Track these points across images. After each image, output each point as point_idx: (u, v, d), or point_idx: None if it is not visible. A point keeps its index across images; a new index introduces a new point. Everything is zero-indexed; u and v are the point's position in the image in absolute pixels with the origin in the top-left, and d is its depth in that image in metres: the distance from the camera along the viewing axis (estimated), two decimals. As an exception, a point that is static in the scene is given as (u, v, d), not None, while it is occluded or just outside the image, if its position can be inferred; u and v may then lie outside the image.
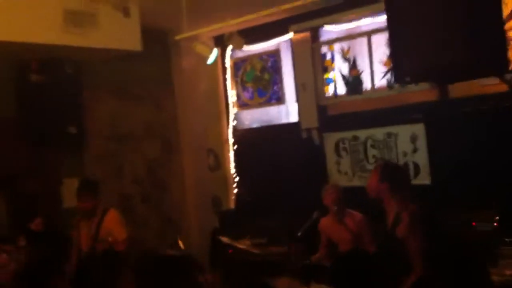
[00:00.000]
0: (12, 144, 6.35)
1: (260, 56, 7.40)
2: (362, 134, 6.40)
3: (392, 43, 3.86)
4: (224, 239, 6.11)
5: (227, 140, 7.63)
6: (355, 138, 6.46)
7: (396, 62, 3.72)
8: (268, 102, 7.38)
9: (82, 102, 6.75)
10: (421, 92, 5.95)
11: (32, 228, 5.79)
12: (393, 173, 4.53)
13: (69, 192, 6.38)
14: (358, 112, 6.51)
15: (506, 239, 4.74)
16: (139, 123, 7.28)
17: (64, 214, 6.38)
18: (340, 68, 6.67)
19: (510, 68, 3.44)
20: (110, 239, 5.53)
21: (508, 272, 4.31)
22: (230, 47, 7.45)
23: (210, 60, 6.89)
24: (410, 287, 4.20)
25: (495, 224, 4.85)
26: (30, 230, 5.81)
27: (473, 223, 4.99)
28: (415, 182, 5.97)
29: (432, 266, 4.15)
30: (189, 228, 7.43)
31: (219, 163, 7.67)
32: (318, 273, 4.52)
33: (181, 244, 6.38)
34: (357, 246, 5.13)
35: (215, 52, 7.06)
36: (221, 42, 7.24)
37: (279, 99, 7.26)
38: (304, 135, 6.88)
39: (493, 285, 4.06)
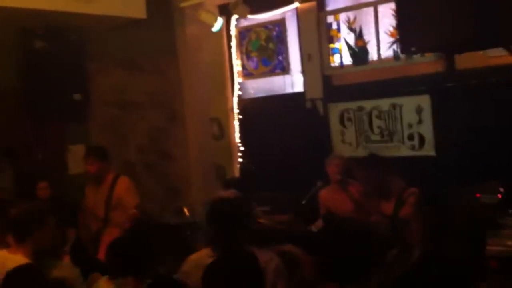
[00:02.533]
0: (17, 113, 6.37)
1: (265, 25, 7.34)
2: (367, 104, 6.38)
3: (399, 13, 3.84)
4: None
5: (232, 109, 7.61)
6: (360, 108, 6.44)
7: (402, 33, 3.72)
8: (273, 72, 7.34)
9: (86, 70, 6.74)
10: (427, 63, 5.92)
11: (39, 194, 5.83)
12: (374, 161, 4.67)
13: (75, 159, 6.43)
14: (364, 83, 6.48)
15: (510, 210, 4.77)
16: (144, 92, 7.28)
17: (70, 181, 6.42)
18: (346, 38, 6.61)
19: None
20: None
21: (509, 243, 4.35)
22: (235, 16, 7.39)
23: (215, 28, 6.84)
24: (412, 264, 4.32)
25: (499, 195, 4.86)
26: (36, 197, 5.86)
27: (477, 195, 5.01)
28: (419, 153, 6.00)
29: (433, 243, 4.23)
30: (193, 197, 7.46)
31: (223, 132, 7.67)
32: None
33: (186, 212, 6.45)
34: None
35: (220, 20, 7.01)
36: (226, 10, 7.18)
37: (284, 69, 7.23)
38: (309, 105, 6.86)
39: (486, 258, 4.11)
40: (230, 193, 4.54)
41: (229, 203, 3.47)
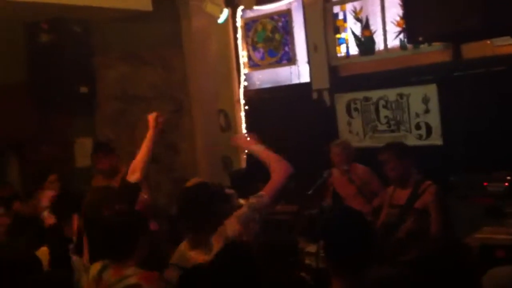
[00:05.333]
0: (24, 107, 6.39)
1: (271, 16, 7.31)
2: (374, 95, 6.37)
3: (406, 2, 3.82)
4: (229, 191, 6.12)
5: (238, 100, 7.61)
6: (367, 99, 6.43)
7: (409, 22, 3.70)
8: (279, 63, 7.33)
9: (92, 63, 6.74)
10: (433, 53, 5.90)
11: (48, 187, 5.85)
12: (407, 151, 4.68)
13: (82, 151, 6.45)
14: (370, 73, 6.46)
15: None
16: (150, 84, 7.27)
17: (77, 174, 6.44)
18: (352, 28, 6.59)
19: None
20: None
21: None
22: (241, 7, 7.37)
23: (221, 20, 6.82)
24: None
25: (505, 184, 4.85)
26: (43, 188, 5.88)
27: (484, 183, 5.00)
28: (426, 143, 5.99)
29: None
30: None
31: (230, 123, 7.67)
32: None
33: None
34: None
35: (225, 12, 6.99)
36: (231, 1, 7.17)
37: (290, 60, 7.21)
38: (315, 96, 6.85)
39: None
40: (197, 180, 4.51)
41: (194, 191, 3.44)
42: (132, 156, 6.90)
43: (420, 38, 3.63)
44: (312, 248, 4.48)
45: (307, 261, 4.50)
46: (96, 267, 3.23)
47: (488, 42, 5.16)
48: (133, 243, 3.17)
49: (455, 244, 3.06)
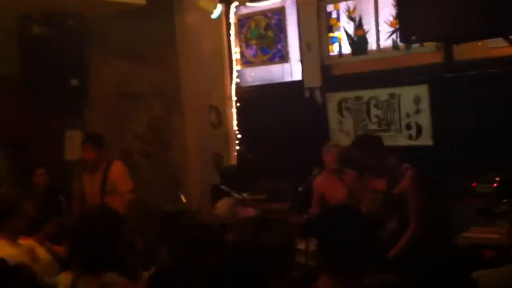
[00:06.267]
0: (16, 100, 6.34)
1: (264, 13, 7.32)
2: (365, 94, 6.39)
3: (400, 1, 3.84)
4: (225, 187, 6.12)
5: (230, 97, 7.61)
6: (358, 98, 6.45)
7: (403, 21, 3.71)
8: (272, 60, 7.34)
9: (86, 57, 6.71)
10: (426, 53, 5.94)
11: (36, 180, 5.83)
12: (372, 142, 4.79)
13: (72, 144, 6.42)
14: (362, 73, 6.49)
15: (505, 200, 4.79)
16: (143, 80, 7.25)
17: (67, 167, 6.42)
18: (345, 27, 6.61)
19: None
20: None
21: (504, 231, 4.38)
22: (234, 3, 7.37)
23: (214, 15, 6.81)
24: (406, 241, 4.40)
25: (494, 185, 4.89)
26: (33, 183, 5.86)
27: (473, 184, 5.04)
28: (417, 143, 6.02)
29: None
30: (191, 185, 7.48)
31: (221, 120, 7.67)
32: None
33: (183, 199, 6.45)
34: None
35: (219, 7, 6.99)
36: (226, -3, 7.17)
37: (283, 58, 7.22)
38: (307, 94, 6.87)
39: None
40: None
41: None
42: (123, 152, 6.95)
43: (413, 38, 3.65)
44: (301, 246, 4.51)
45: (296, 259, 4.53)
46: (66, 276, 3.02)
47: (480, 44, 5.19)
48: (111, 253, 2.96)
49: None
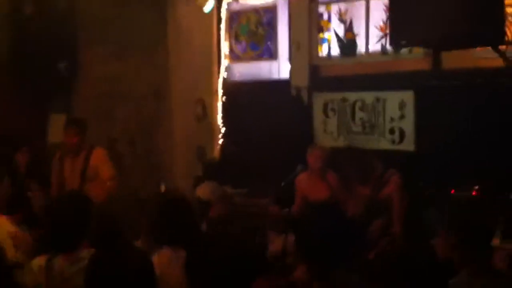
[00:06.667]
0: (2, 79, 6.31)
1: (256, 10, 7.34)
2: (351, 96, 6.45)
3: (392, 5, 3.89)
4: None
5: (217, 91, 7.62)
6: (344, 100, 6.51)
7: (393, 25, 3.76)
8: (260, 57, 7.36)
9: (75, 41, 6.69)
10: (414, 60, 6.01)
11: (17, 157, 5.79)
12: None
13: (56, 127, 6.40)
14: (350, 75, 6.53)
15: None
16: (131, 68, 7.25)
17: (50, 148, 6.40)
18: (335, 29, 6.66)
19: (505, 40, 3.50)
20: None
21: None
22: (227, -1, 7.39)
23: (206, 9, 6.82)
24: (387, 243, 4.46)
25: (473, 193, 4.97)
26: (14, 160, 5.82)
27: (452, 191, 5.12)
28: (399, 148, 6.09)
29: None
30: (174, 176, 7.49)
31: (206, 113, 7.68)
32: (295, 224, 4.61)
33: (163, 189, 6.46)
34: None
35: (211, 1, 7.00)
36: (218, -8, 7.18)
37: (272, 55, 7.25)
38: (294, 93, 6.90)
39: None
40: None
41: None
42: (107, 139, 6.93)
43: (403, 42, 3.70)
44: (279, 240, 4.56)
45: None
46: (41, 259, 3.14)
47: (469, 53, 5.26)
48: (81, 234, 3.14)
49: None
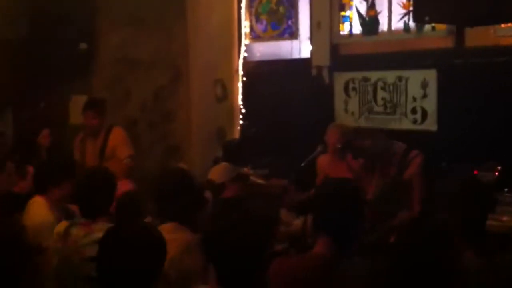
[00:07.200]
0: (23, 62, 6.36)
1: (277, -12, 7.27)
2: (373, 75, 6.36)
3: (415, -19, 3.81)
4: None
5: (237, 71, 7.58)
6: (366, 79, 6.42)
7: (417, 1, 3.69)
8: (281, 36, 7.30)
9: (94, 21, 6.69)
10: (437, 38, 5.91)
11: (40, 141, 5.84)
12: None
13: (77, 109, 6.43)
14: (371, 54, 6.45)
15: (506, 189, 4.82)
16: (150, 49, 7.23)
17: (71, 130, 6.44)
18: (357, 7, 6.56)
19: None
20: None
21: (505, 218, 4.42)
22: (247, -24, 7.31)
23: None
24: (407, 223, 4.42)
25: (496, 173, 4.89)
26: (36, 144, 5.87)
27: (475, 172, 5.03)
28: (421, 128, 6.01)
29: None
30: (193, 157, 7.48)
31: (226, 94, 7.65)
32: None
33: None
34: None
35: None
36: (238, -30, 7.11)
37: (292, 34, 7.17)
38: (314, 72, 6.83)
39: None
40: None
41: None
42: (127, 120, 6.95)
43: (427, 18, 3.63)
44: (299, 221, 4.53)
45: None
46: (62, 225, 3.37)
47: (492, 31, 5.16)
48: (105, 202, 3.41)
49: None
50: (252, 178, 5.98)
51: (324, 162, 5.49)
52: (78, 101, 6.61)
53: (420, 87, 5.98)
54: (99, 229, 2.99)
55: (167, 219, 3.23)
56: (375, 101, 6.35)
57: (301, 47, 7.11)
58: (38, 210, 3.87)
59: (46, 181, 3.97)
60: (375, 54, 6.40)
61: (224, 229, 2.30)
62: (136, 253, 2.34)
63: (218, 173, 4.57)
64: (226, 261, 2.24)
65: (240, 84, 7.56)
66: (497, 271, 2.75)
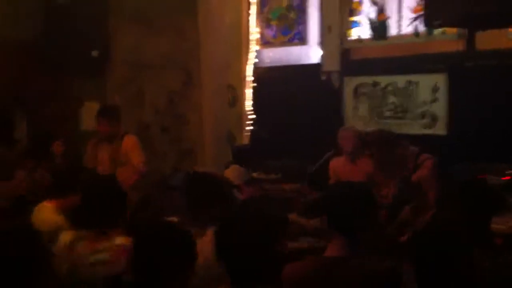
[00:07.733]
0: (34, 66, 6.40)
1: (287, -7, 7.30)
2: (382, 80, 6.38)
3: (426, -15, 3.83)
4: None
5: (245, 77, 7.61)
6: (376, 84, 6.44)
7: (428, 5, 3.71)
8: (291, 42, 7.33)
9: (107, 27, 6.74)
10: (447, 41, 5.90)
11: (53, 149, 5.88)
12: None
13: (89, 115, 6.47)
14: (381, 58, 6.46)
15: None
16: (162, 53, 7.26)
17: (83, 137, 6.48)
18: (367, 11, 6.58)
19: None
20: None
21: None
22: (257, -19, 7.35)
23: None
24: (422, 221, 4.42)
25: (506, 178, 4.88)
26: (50, 152, 5.91)
27: (485, 175, 5.02)
28: (431, 132, 6.01)
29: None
30: (205, 161, 7.50)
31: (236, 99, 7.68)
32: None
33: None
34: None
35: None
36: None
37: (302, 40, 7.20)
38: (324, 77, 6.85)
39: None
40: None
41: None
42: (140, 124, 6.98)
43: (438, 22, 3.64)
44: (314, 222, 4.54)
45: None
46: (68, 235, 3.25)
47: (503, 34, 5.16)
48: (112, 213, 3.23)
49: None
50: (265, 182, 6.01)
51: (336, 165, 5.51)
52: (90, 107, 6.66)
53: (431, 91, 5.99)
54: (105, 250, 2.95)
55: (205, 225, 3.22)
56: (385, 105, 6.36)
57: (311, 52, 7.14)
58: (48, 215, 3.88)
59: (59, 188, 4.00)
60: (385, 58, 6.42)
61: (234, 226, 2.34)
62: (168, 248, 2.37)
63: (232, 175, 4.60)
64: (235, 257, 2.28)
65: (250, 90, 7.58)
66: (500, 271, 2.76)
